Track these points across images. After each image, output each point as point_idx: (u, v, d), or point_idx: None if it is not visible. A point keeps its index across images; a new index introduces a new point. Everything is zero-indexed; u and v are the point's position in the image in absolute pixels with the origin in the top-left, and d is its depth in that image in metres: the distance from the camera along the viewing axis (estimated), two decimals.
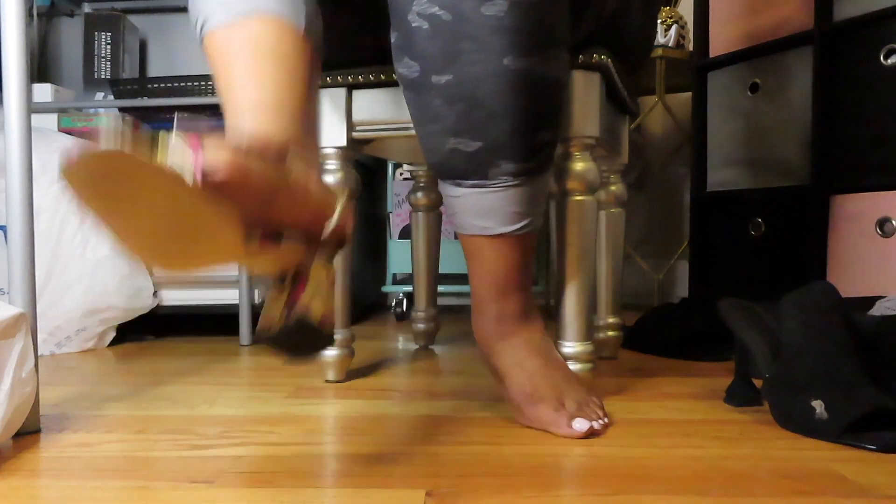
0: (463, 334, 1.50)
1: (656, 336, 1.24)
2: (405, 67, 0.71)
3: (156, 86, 1.40)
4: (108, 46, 1.54)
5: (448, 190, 0.76)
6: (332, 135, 0.95)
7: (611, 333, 1.17)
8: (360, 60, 0.94)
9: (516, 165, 0.71)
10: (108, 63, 1.55)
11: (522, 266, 0.78)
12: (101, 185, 0.43)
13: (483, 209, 0.74)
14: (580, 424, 0.70)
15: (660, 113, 2.17)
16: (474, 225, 0.75)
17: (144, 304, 1.35)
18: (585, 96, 0.83)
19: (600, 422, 0.72)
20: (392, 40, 0.73)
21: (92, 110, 1.48)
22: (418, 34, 0.69)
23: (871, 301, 0.90)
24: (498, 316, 0.79)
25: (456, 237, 1.44)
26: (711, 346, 1.22)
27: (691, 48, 1.82)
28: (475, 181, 0.73)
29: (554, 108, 0.73)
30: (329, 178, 0.96)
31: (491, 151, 0.71)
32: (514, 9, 0.66)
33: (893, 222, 1.22)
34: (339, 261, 0.96)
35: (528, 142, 0.71)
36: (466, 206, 0.75)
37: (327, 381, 0.99)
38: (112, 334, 1.35)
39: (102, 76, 1.54)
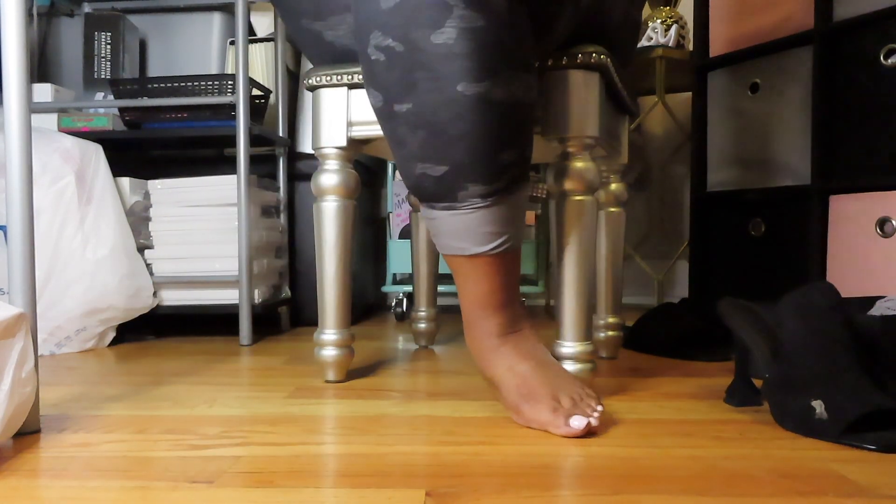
0: (463, 334, 1.50)
1: (656, 336, 1.24)
2: (372, 97, 0.74)
3: (156, 86, 1.40)
4: (108, 46, 1.54)
5: (425, 212, 0.78)
6: (332, 135, 0.95)
7: (611, 333, 1.16)
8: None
9: (483, 187, 0.72)
10: (108, 63, 1.55)
11: (504, 283, 0.78)
12: None
13: (457, 231, 0.75)
14: (578, 422, 0.70)
15: (660, 113, 2.17)
16: (452, 246, 0.77)
17: (144, 304, 1.35)
18: (585, 96, 0.83)
19: (596, 414, 0.73)
20: (361, 72, 0.75)
21: (92, 110, 1.48)
22: (377, 66, 0.71)
23: (871, 301, 0.90)
24: (486, 332, 0.79)
25: None
26: (711, 346, 1.22)
27: (691, 48, 1.82)
28: (446, 204, 0.74)
29: (515, 128, 0.72)
30: (329, 178, 0.96)
31: (456, 175, 0.72)
32: (463, 35, 0.66)
33: (893, 222, 1.22)
34: (339, 260, 0.96)
35: (492, 164, 0.72)
36: (442, 227, 0.76)
37: (327, 381, 0.99)
38: (112, 334, 1.35)
39: (102, 76, 1.54)
